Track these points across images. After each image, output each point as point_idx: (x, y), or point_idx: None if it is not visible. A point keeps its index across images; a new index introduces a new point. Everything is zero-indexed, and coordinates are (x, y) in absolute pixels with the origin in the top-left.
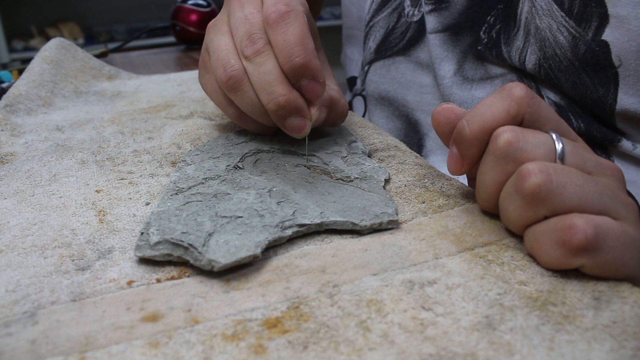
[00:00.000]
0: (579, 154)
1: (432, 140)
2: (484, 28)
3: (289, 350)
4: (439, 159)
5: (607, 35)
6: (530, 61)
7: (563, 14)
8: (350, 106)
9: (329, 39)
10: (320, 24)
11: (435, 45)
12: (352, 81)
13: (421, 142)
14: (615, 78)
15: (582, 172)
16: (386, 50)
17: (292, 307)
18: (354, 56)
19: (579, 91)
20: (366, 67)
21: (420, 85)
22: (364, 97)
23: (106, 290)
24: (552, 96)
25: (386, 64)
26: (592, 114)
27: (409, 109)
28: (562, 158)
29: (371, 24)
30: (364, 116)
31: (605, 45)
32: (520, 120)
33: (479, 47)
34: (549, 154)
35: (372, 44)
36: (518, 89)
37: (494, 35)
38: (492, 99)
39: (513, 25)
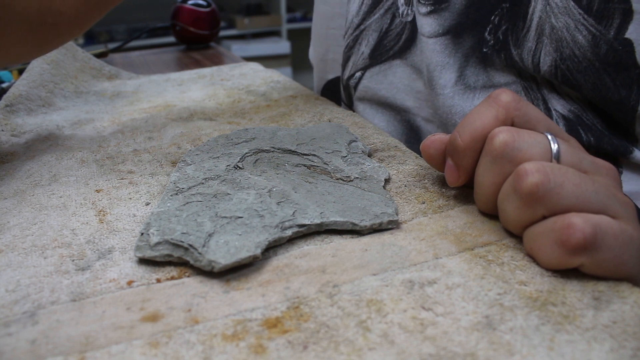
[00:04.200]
0: (575, 154)
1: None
2: (488, 29)
3: (289, 350)
4: None
5: (631, 32)
6: (546, 63)
7: (581, 12)
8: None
9: None
10: None
11: (435, 52)
12: (335, 82)
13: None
14: (639, 78)
15: (579, 171)
16: (381, 54)
17: (292, 307)
18: (328, 56)
19: (599, 93)
20: (359, 74)
21: (417, 91)
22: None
23: (106, 290)
24: (560, 108)
25: (383, 68)
26: (607, 121)
27: (411, 114)
28: (557, 157)
29: (362, 27)
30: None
31: (629, 43)
32: (510, 125)
33: (485, 50)
34: (545, 154)
35: (366, 49)
36: (504, 95)
37: (501, 37)
38: (479, 108)
39: (522, 26)
